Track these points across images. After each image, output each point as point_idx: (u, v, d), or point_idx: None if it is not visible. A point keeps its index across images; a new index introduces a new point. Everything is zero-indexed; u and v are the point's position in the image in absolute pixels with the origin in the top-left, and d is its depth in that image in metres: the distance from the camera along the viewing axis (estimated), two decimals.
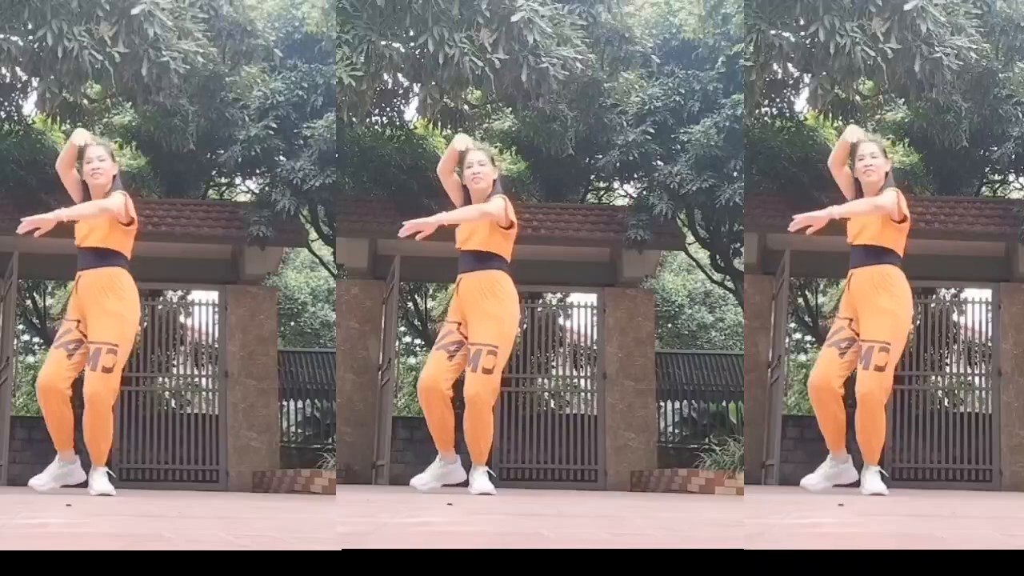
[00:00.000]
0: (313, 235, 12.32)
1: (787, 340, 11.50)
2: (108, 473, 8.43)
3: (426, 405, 8.54)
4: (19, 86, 11.10)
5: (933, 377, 11.39)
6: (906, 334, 8.57)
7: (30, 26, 10.32)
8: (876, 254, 8.35)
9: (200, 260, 11.59)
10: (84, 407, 8.33)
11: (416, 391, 13.01)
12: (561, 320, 11.84)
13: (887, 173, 8.43)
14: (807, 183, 11.31)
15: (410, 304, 13.25)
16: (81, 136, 8.46)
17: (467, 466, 8.62)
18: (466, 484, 8.57)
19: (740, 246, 12.06)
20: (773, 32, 10.36)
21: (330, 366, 12.72)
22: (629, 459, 11.51)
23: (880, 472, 8.41)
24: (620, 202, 12.38)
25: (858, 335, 8.34)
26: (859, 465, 8.48)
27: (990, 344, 11.29)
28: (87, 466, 8.51)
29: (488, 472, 8.53)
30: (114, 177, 8.44)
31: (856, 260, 8.42)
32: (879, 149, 8.45)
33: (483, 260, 8.52)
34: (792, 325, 12.23)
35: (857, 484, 8.45)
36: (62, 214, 8.27)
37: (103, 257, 8.34)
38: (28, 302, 12.67)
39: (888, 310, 8.28)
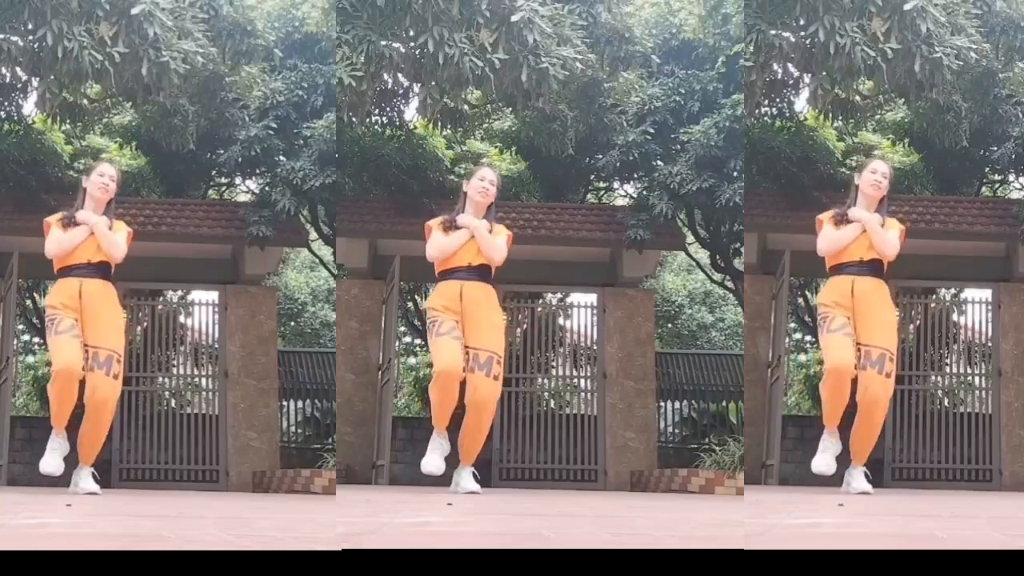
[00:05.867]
0: (313, 235, 12.31)
1: (787, 340, 11.49)
2: (92, 473, 8.81)
3: (448, 390, 8.79)
4: (19, 86, 11.09)
5: (933, 377, 11.39)
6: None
7: (30, 26, 10.32)
8: (877, 268, 8.79)
9: (200, 260, 11.59)
10: (90, 410, 8.66)
11: (416, 391, 13.07)
12: (561, 320, 11.83)
13: (883, 199, 8.87)
14: (807, 183, 11.30)
15: (410, 304, 13.25)
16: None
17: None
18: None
19: (740, 246, 12.05)
20: (773, 32, 10.35)
21: (330, 366, 12.72)
22: (629, 459, 11.50)
23: (864, 472, 8.81)
24: (620, 202, 12.37)
25: (857, 336, 8.72)
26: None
27: (990, 344, 11.29)
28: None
29: (473, 472, 8.96)
30: (110, 202, 8.87)
31: (858, 271, 8.77)
32: (890, 172, 8.95)
33: (483, 273, 8.98)
34: (792, 325, 12.23)
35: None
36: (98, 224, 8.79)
37: (103, 271, 8.80)
38: (28, 302, 12.67)
39: (891, 322, 8.77)
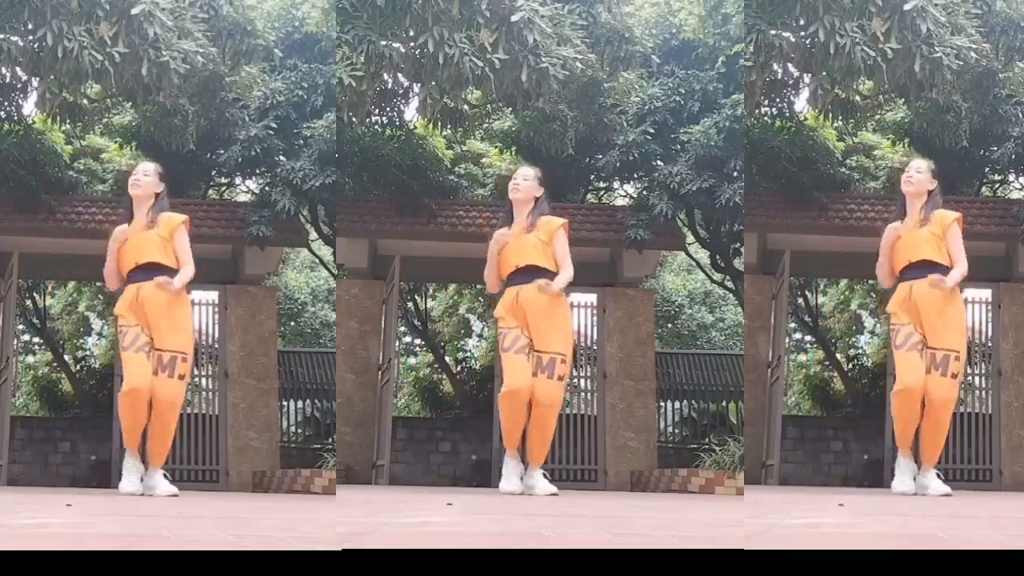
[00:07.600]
0: (313, 235, 12.31)
1: (787, 340, 11.49)
2: (164, 474, 8.82)
3: (514, 408, 8.88)
4: (19, 86, 11.09)
5: None
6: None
7: (30, 26, 10.32)
8: (930, 268, 8.72)
9: (200, 260, 11.54)
10: (154, 412, 8.65)
11: (416, 391, 13.08)
12: None
13: (929, 194, 8.86)
14: (807, 183, 11.30)
15: (410, 304, 13.24)
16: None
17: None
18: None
19: (740, 246, 12.05)
20: (773, 32, 10.35)
21: (330, 366, 12.72)
22: (629, 459, 11.50)
23: (937, 473, 8.94)
24: (620, 202, 12.37)
25: (925, 340, 8.70)
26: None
27: (990, 344, 11.29)
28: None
29: (544, 473, 9.05)
30: (157, 195, 8.90)
31: (912, 275, 8.74)
32: (927, 166, 8.95)
33: (535, 275, 8.98)
34: (792, 325, 12.22)
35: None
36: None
37: (158, 273, 8.76)
38: (28, 302, 12.67)
39: (955, 320, 8.73)
